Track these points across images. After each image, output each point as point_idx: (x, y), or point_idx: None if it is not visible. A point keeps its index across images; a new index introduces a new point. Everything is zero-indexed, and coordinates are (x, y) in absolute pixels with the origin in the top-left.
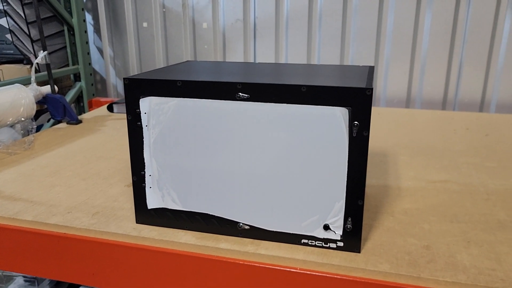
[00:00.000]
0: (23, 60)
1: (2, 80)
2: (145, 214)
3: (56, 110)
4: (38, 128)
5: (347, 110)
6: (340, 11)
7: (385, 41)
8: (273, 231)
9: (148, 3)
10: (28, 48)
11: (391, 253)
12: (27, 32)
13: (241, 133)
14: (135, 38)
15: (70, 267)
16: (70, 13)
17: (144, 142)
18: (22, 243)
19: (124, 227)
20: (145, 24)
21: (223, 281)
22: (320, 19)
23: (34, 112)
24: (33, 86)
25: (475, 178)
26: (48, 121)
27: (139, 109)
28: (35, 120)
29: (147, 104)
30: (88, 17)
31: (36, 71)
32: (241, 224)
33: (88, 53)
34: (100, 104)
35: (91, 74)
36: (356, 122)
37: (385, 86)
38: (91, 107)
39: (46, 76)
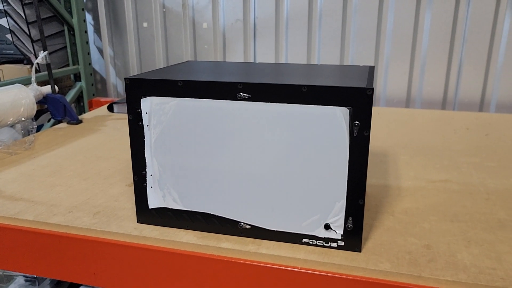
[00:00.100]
0: (24, 60)
1: (2, 80)
2: (146, 214)
3: (56, 110)
4: (39, 128)
5: (348, 110)
6: (340, 11)
7: (385, 41)
8: (274, 231)
9: (148, 3)
10: (28, 48)
11: (391, 253)
12: (28, 32)
13: (242, 132)
14: (135, 38)
15: (71, 267)
16: (70, 13)
17: (145, 142)
18: (23, 243)
19: (125, 227)
20: (145, 24)
21: (224, 281)
22: (320, 19)
23: (34, 112)
24: (34, 86)
25: (475, 177)
26: (49, 121)
27: (140, 109)
28: (36, 120)
29: (148, 104)
30: (88, 17)
31: (37, 71)
32: (242, 223)
33: (88, 53)
34: (100, 104)
35: (91, 74)
36: (356, 122)
37: (385, 86)
38: (91, 107)
39: (47, 76)
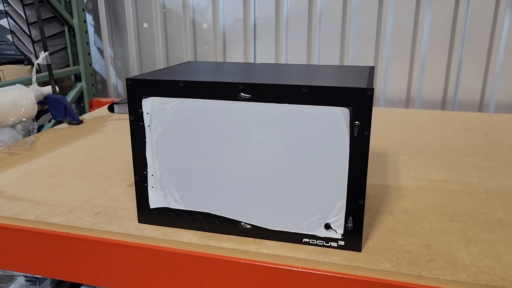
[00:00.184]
0: (24, 60)
1: (3, 80)
2: (147, 214)
3: (57, 111)
4: (39, 129)
5: (348, 110)
6: (340, 12)
7: (384, 41)
8: (274, 230)
9: (149, 3)
10: (29, 49)
11: (391, 252)
12: (28, 33)
13: (242, 133)
14: (135, 39)
15: (73, 267)
16: (71, 13)
17: (146, 142)
18: (24, 243)
19: (126, 227)
20: (145, 25)
21: (225, 280)
22: (320, 19)
23: (35, 113)
24: (34, 87)
25: (474, 177)
26: (49, 121)
27: (142, 109)
28: (36, 120)
29: (149, 104)
30: (89, 18)
31: (37, 71)
32: (243, 223)
33: (89, 54)
34: (100, 105)
35: (91, 75)
36: (357, 122)
37: (384, 86)
38: (91, 107)
39: (47, 76)
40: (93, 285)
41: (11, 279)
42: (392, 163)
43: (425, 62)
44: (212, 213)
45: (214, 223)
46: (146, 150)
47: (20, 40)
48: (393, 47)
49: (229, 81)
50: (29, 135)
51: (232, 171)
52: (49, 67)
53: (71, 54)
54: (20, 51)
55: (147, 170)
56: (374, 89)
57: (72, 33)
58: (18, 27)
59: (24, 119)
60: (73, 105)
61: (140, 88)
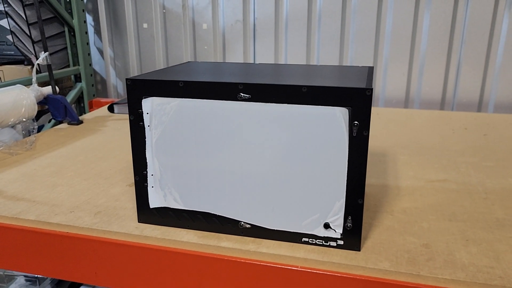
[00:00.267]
0: (24, 61)
1: (3, 81)
2: (147, 214)
3: (57, 111)
4: (39, 129)
5: (347, 110)
6: (339, 12)
7: (384, 41)
8: (274, 230)
9: (148, 4)
10: (29, 49)
11: (390, 252)
12: (28, 33)
13: (242, 133)
14: (135, 39)
15: (73, 266)
16: (71, 14)
17: (146, 142)
18: (24, 243)
19: (126, 226)
20: (145, 25)
21: (224, 280)
22: (319, 20)
23: (35, 113)
24: (34, 87)
25: (473, 177)
26: (49, 121)
27: (142, 109)
28: (36, 120)
29: (149, 105)
30: (89, 18)
31: (37, 72)
32: (242, 223)
33: (89, 54)
34: (100, 105)
35: (91, 75)
36: (356, 122)
37: (384, 87)
38: (91, 107)
39: (47, 77)
40: (93, 285)
41: (11, 279)
42: (391, 163)
43: (424, 63)
44: (212, 212)
45: (213, 223)
46: (146, 150)
47: (20, 41)
48: (392, 48)
49: (228, 81)
50: (29, 135)
51: (231, 171)
52: (49, 67)
53: (71, 54)
54: (20, 52)
55: (147, 170)
56: (373, 89)
57: (72, 33)
58: (18, 28)
59: (24, 119)
60: (73, 105)
61: (140, 88)
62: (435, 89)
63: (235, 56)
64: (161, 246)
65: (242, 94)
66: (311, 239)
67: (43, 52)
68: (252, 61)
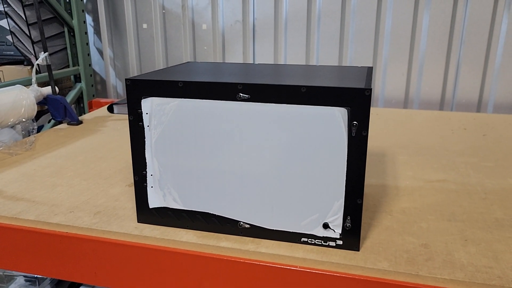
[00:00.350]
0: (24, 61)
1: (3, 81)
2: (146, 214)
3: (56, 111)
4: (39, 129)
5: (346, 110)
6: (339, 12)
7: (383, 42)
8: (273, 230)
9: (148, 4)
10: (28, 49)
11: (389, 252)
12: (28, 34)
13: (241, 133)
14: (135, 39)
15: (72, 266)
16: (71, 14)
17: (145, 142)
18: (24, 243)
19: (126, 227)
20: (145, 26)
21: (224, 280)
22: (319, 20)
23: (35, 113)
24: (34, 87)
25: (472, 177)
26: (49, 121)
27: (141, 109)
28: (36, 120)
29: (148, 105)
30: (88, 19)
31: (37, 72)
32: (241, 223)
33: (88, 54)
34: (100, 105)
35: (91, 75)
36: (355, 122)
37: (383, 87)
38: (91, 108)
39: (47, 77)
40: (93, 285)
41: (10, 279)
42: (391, 163)
43: (424, 63)
44: (211, 212)
45: (213, 223)
46: (146, 150)
47: (20, 41)
48: (391, 48)
49: (228, 81)
50: (29, 136)
51: (231, 171)
52: (48, 67)
53: (71, 54)
54: (20, 52)
55: (147, 170)
56: (373, 90)
57: (71, 33)
58: (18, 28)
59: (24, 120)
60: (72, 105)
61: (139, 89)
62: (434, 89)
63: (235, 56)
64: (160, 246)
65: (241, 94)
66: (310, 239)
67: (42, 52)
68: (251, 62)
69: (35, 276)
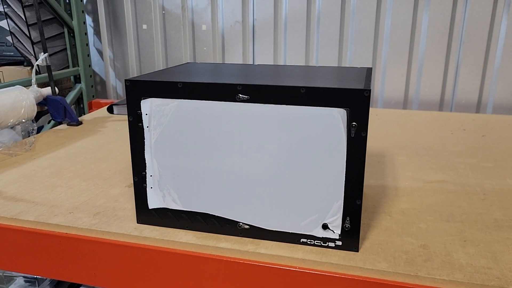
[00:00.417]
0: (24, 62)
1: (2, 81)
2: (146, 214)
3: (56, 112)
4: (39, 130)
5: (345, 111)
6: (338, 13)
7: (382, 42)
8: (272, 231)
9: (148, 5)
10: (28, 50)
11: (388, 252)
12: (28, 34)
13: (241, 134)
14: (134, 40)
15: (72, 267)
16: (70, 15)
17: (145, 143)
18: (24, 243)
19: (125, 227)
20: (144, 26)
21: (223, 280)
22: (318, 21)
23: (34, 114)
24: (34, 88)
25: (471, 178)
26: (49, 122)
27: (141, 110)
28: (36, 121)
29: (148, 106)
30: (88, 19)
31: (37, 72)
32: (241, 223)
33: (88, 55)
34: (100, 106)
35: (91, 76)
36: (354, 123)
37: (382, 88)
38: (91, 108)
39: (47, 77)
40: (92, 286)
41: (10, 279)
42: (390, 163)
43: (423, 64)
44: (211, 213)
45: (212, 224)
46: (145, 151)
47: (20, 42)
48: (391, 49)
49: (227, 82)
50: (29, 136)
51: (230, 172)
52: (48, 68)
53: (71, 55)
54: (20, 53)
55: (146, 170)
56: (372, 90)
57: (71, 34)
58: (18, 29)
59: (23, 120)
60: (72, 106)
61: (139, 89)
62: (433, 90)
63: (234, 57)
64: (160, 247)
65: (240, 95)
66: (309, 240)
67: (42, 53)
68: (251, 62)
69: (35, 276)
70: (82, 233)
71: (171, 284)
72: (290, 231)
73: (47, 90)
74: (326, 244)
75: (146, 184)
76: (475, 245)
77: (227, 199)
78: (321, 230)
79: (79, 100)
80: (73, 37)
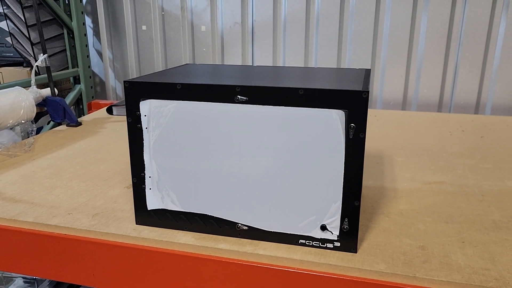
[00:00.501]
0: (23, 63)
1: (2, 82)
2: (144, 215)
3: (56, 113)
4: (38, 131)
5: (343, 113)
6: (337, 15)
7: (381, 44)
8: (271, 232)
9: (147, 6)
10: (28, 51)
11: (387, 253)
12: (27, 35)
13: (239, 135)
14: (134, 41)
15: (71, 268)
16: (70, 16)
17: (144, 144)
18: (23, 244)
19: (124, 228)
20: (144, 27)
21: (222, 281)
22: (317, 22)
23: (34, 115)
24: (33, 89)
25: (470, 179)
26: (48, 123)
27: (139, 111)
28: (35, 122)
29: (147, 107)
30: (88, 20)
31: (36, 73)
32: (239, 224)
33: (88, 56)
34: (99, 107)
35: (90, 77)
36: (352, 124)
37: (381, 89)
38: (90, 109)
39: (46, 78)
40: (91, 287)
41: (9, 280)
42: (389, 164)
43: (422, 65)
44: (209, 214)
45: (211, 225)
46: (144, 152)
47: (19, 43)
48: (389, 50)
49: (226, 83)
50: (28, 137)
51: (229, 173)
52: (48, 69)
53: (70, 56)
54: (19, 54)
55: (145, 172)
56: (371, 91)
57: (71, 35)
58: (17, 30)
59: (23, 121)
60: (71, 107)
61: (138, 91)
62: (432, 91)
63: (234, 58)
64: (158, 248)
65: (239, 96)
66: (308, 241)
67: (42, 54)
68: (250, 63)
69: (34, 277)
70: (81, 234)
71: (170, 285)
72: (289, 232)
73: (47, 91)
74: (325, 245)
75: (145, 185)
76: (473, 246)
77: (226, 200)
78: (319, 231)
79: (78, 101)
80: (73, 38)
